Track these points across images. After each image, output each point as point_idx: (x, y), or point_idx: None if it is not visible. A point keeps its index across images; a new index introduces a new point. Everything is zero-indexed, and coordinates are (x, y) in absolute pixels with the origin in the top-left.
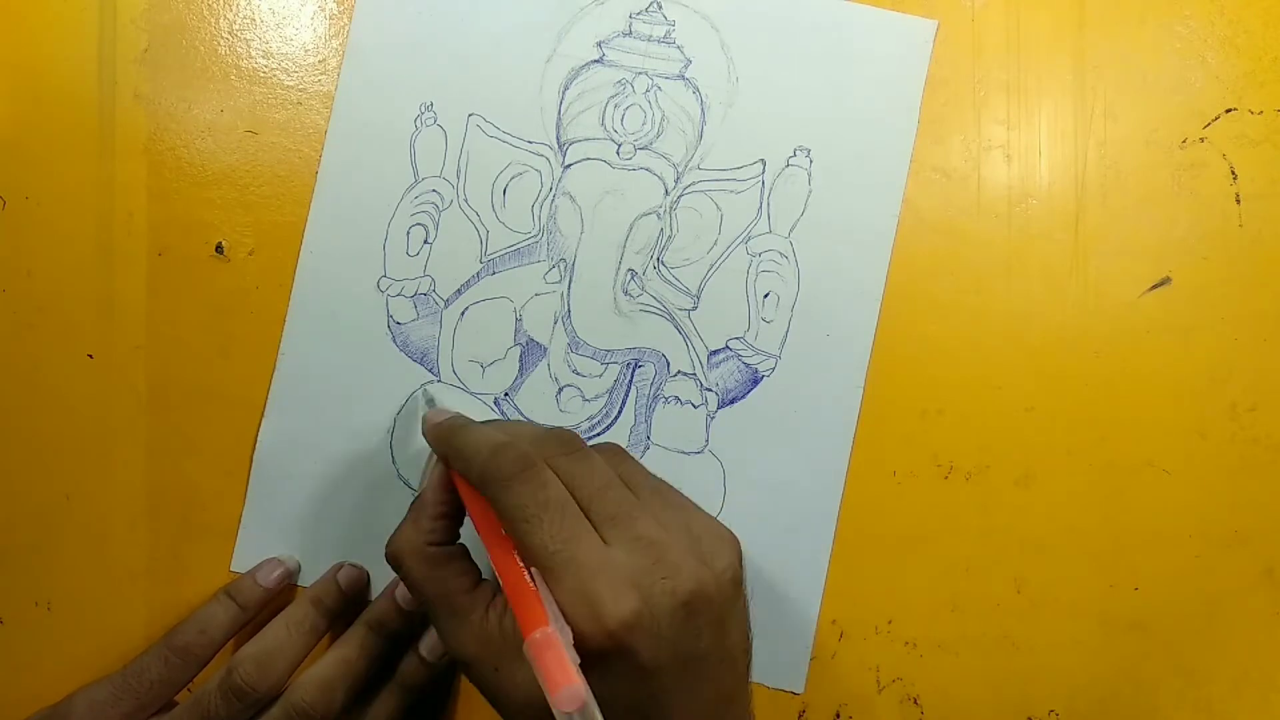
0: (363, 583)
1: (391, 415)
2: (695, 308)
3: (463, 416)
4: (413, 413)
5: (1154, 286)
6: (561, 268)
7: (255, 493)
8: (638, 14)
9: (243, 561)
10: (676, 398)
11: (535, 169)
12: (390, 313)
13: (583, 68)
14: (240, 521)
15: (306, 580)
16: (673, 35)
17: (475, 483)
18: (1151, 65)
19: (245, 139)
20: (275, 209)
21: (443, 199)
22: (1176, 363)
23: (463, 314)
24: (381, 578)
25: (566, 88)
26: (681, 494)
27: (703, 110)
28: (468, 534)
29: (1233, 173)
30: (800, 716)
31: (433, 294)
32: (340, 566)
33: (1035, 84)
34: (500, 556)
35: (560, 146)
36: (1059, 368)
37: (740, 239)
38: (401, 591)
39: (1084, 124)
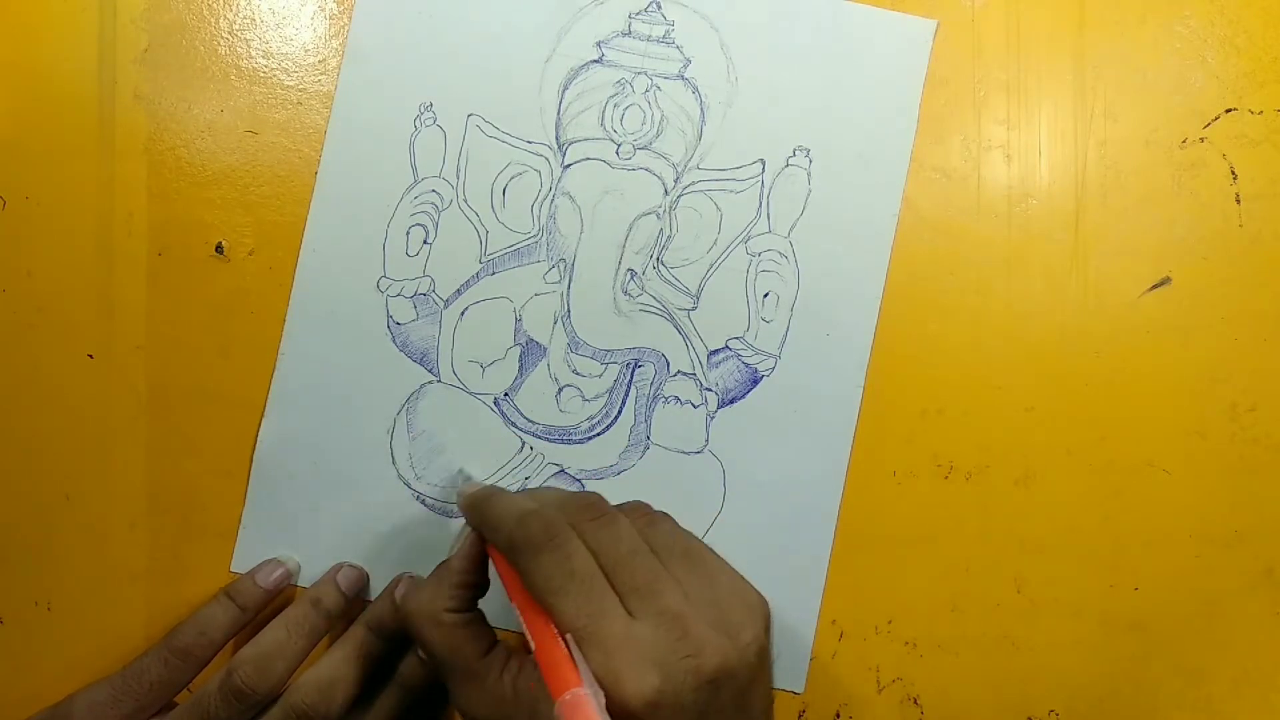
0: (362, 583)
1: (391, 416)
2: (695, 307)
3: (495, 488)
4: (413, 410)
5: (1154, 286)
6: (561, 268)
7: (255, 493)
8: (637, 14)
9: (243, 562)
10: (676, 397)
11: (535, 169)
12: (390, 313)
13: (582, 68)
14: (240, 522)
15: (306, 581)
16: (672, 35)
17: (503, 551)
18: (1151, 65)
19: (245, 139)
20: (275, 209)
21: (442, 199)
22: (1176, 363)
23: (462, 314)
24: (381, 578)
25: (566, 88)
26: (712, 552)
27: (702, 110)
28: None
29: (1233, 173)
30: (800, 716)
31: (432, 294)
32: (340, 567)
33: (1035, 84)
34: (533, 620)
35: (560, 146)
36: (1059, 368)
37: (740, 239)
38: (401, 592)
39: (1084, 124)
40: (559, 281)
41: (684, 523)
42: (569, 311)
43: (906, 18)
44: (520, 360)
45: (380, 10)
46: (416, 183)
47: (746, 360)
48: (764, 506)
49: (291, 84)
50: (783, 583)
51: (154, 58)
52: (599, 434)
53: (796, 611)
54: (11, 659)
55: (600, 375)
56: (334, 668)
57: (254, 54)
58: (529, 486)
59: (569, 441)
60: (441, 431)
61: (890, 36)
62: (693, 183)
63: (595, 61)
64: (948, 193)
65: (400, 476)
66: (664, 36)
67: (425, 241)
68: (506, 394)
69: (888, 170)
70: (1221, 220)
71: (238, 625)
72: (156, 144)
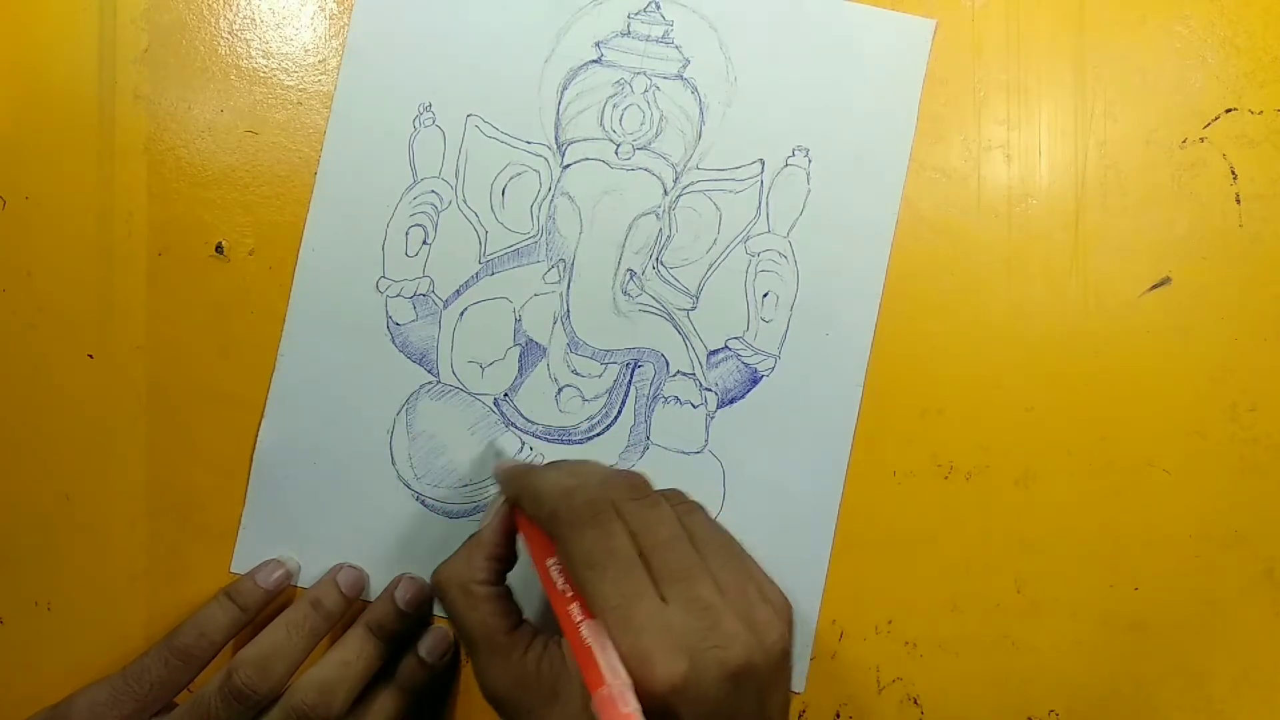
0: (362, 584)
1: (391, 416)
2: (694, 307)
3: (533, 464)
4: (413, 411)
5: (1154, 286)
6: (561, 268)
7: (255, 494)
8: (636, 14)
9: (243, 562)
10: (676, 398)
11: (534, 169)
12: (389, 313)
13: (581, 68)
14: (240, 522)
15: (306, 581)
16: (671, 35)
17: (545, 523)
18: (1151, 65)
19: (245, 139)
20: (275, 209)
21: (441, 199)
22: (1176, 363)
23: (462, 314)
24: (381, 579)
25: (565, 88)
26: (743, 550)
27: (701, 110)
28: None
29: (1233, 173)
30: (800, 716)
31: (432, 294)
32: (340, 568)
33: (1035, 84)
34: (561, 604)
35: (559, 147)
36: (1059, 368)
37: (739, 239)
38: (400, 593)
39: (1084, 124)
40: (558, 282)
41: None
42: (568, 312)
43: (905, 17)
44: (520, 360)
45: (379, 10)
46: (416, 183)
47: (746, 360)
48: (764, 506)
49: (291, 84)
50: (783, 583)
51: (154, 58)
52: (599, 434)
53: (796, 611)
54: (11, 659)
55: (600, 375)
56: (334, 668)
57: (254, 54)
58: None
59: (569, 442)
60: (441, 432)
61: (889, 36)
62: (692, 183)
63: (594, 62)
64: (947, 192)
65: (400, 477)
66: (663, 36)
67: (424, 242)
68: (506, 394)
69: (887, 170)
70: (1221, 220)
71: (238, 626)
72: (156, 144)
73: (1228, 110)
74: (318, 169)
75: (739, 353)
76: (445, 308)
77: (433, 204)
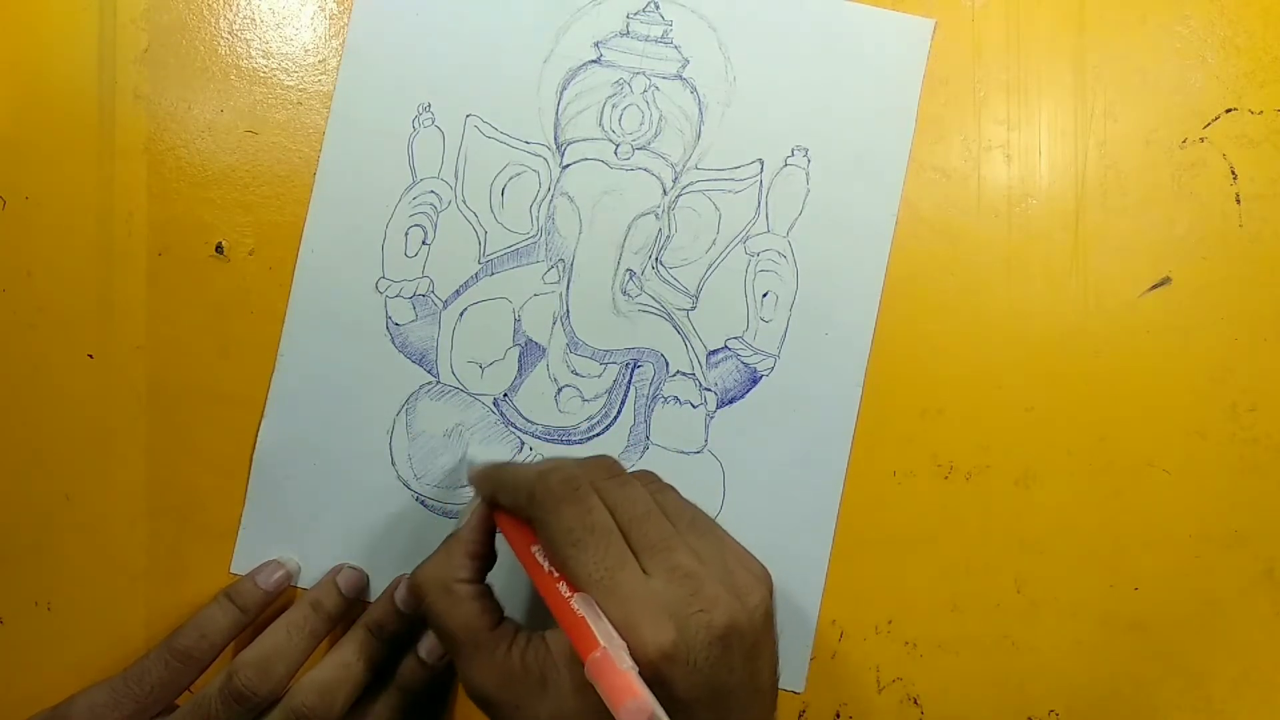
0: (362, 585)
1: (391, 417)
2: (694, 307)
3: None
4: (413, 411)
5: (1154, 286)
6: (560, 268)
7: (255, 494)
8: (635, 14)
9: (242, 563)
10: (675, 398)
11: (533, 169)
12: (389, 314)
13: (580, 68)
14: (240, 523)
15: (306, 582)
16: (670, 35)
17: (522, 506)
18: (1151, 65)
19: (245, 139)
20: (275, 209)
21: (441, 200)
22: (1176, 363)
23: (461, 315)
24: (381, 580)
25: (564, 88)
26: (716, 524)
27: (700, 110)
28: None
29: (1233, 173)
30: (800, 716)
31: (431, 295)
32: (340, 569)
33: (1035, 84)
34: (548, 584)
35: (558, 147)
36: (1059, 368)
37: (738, 238)
38: (400, 594)
39: (1084, 124)
40: (558, 282)
41: None
42: (568, 312)
43: (904, 17)
44: (519, 361)
45: (378, 11)
46: (415, 183)
47: (745, 360)
48: (764, 506)
49: (291, 84)
50: (783, 583)
51: (154, 58)
52: (598, 434)
53: (796, 611)
54: (11, 659)
55: (599, 375)
56: (334, 670)
57: (254, 54)
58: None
59: (568, 442)
60: (441, 432)
61: (888, 36)
62: (691, 183)
63: (593, 62)
64: (947, 193)
65: (400, 477)
66: (662, 36)
67: (424, 242)
68: (506, 394)
69: (886, 169)
70: (1221, 220)
71: (238, 627)
72: (156, 144)
73: (1228, 110)
74: (317, 170)
75: (738, 353)
76: (445, 308)
77: (432, 204)
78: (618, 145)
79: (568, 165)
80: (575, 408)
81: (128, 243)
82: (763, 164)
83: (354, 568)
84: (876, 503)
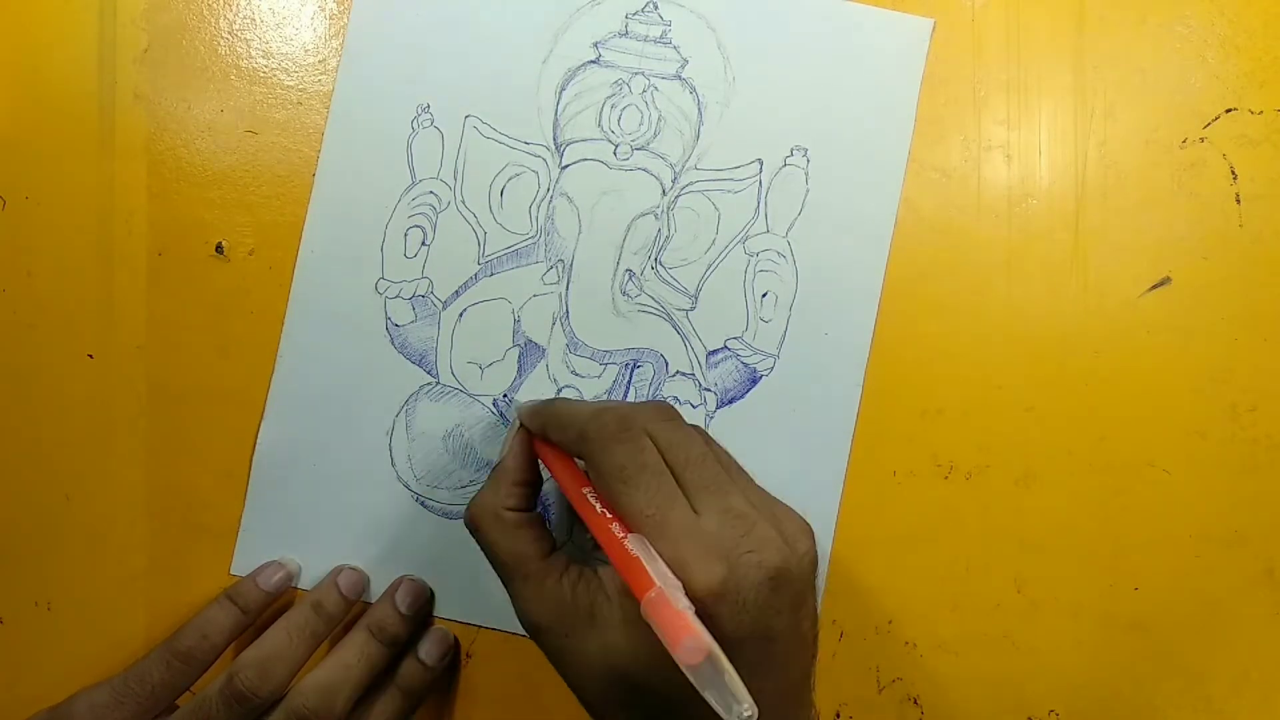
0: (362, 586)
1: (391, 417)
2: (693, 308)
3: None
4: (413, 412)
5: (1154, 286)
6: (559, 269)
7: (255, 495)
8: (634, 14)
9: (243, 564)
10: (675, 398)
11: (533, 170)
12: (388, 315)
13: (579, 68)
14: (240, 524)
15: (306, 583)
16: (669, 35)
17: (574, 442)
18: (1151, 65)
19: (245, 139)
20: (275, 209)
21: (440, 200)
22: (1176, 363)
23: (461, 315)
24: (381, 581)
25: (563, 88)
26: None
27: (700, 110)
28: None
29: (1233, 173)
30: None
31: (431, 295)
32: (340, 570)
33: (1035, 84)
34: (601, 524)
35: (557, 147)
36: (1059, 368)
37: (738, 239)
38: (401, 596)
39: (1084, 124)
40: (557, 282)
41: None
42: (567, 312)
43: (903, 17)
44: (519, 361)
45: (377, 12)
46: (414, 184)
47: (745, 360)
48: None
49: (291, 84)
50: None
51: (154, 58)
52: None
53: None
54: (11, 659)
55: (599, 376)
56: (335, 671)
57: (254, 54)
58: None
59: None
60: (441, 433)
61: (887, 35)
62: (690, 183)
63: (592, 62)
64: (947, 192)
65: (400, 478)
66: (661, 37)
67: (423, 243)
68: (506, 395)
69: (885, 169)
70: (1221, 220)
71: (239, 628)
72: (156, 144)
73: (1228, 110)
74: (317, 170)
75: (738, 353)
76: (444, 309)
77: (431, 205)
78: (617, 145)
79: (567, 166)
80: None
81: (128, 243)
82: (762, 164)
83: (354, 569)
84: (876, 503)
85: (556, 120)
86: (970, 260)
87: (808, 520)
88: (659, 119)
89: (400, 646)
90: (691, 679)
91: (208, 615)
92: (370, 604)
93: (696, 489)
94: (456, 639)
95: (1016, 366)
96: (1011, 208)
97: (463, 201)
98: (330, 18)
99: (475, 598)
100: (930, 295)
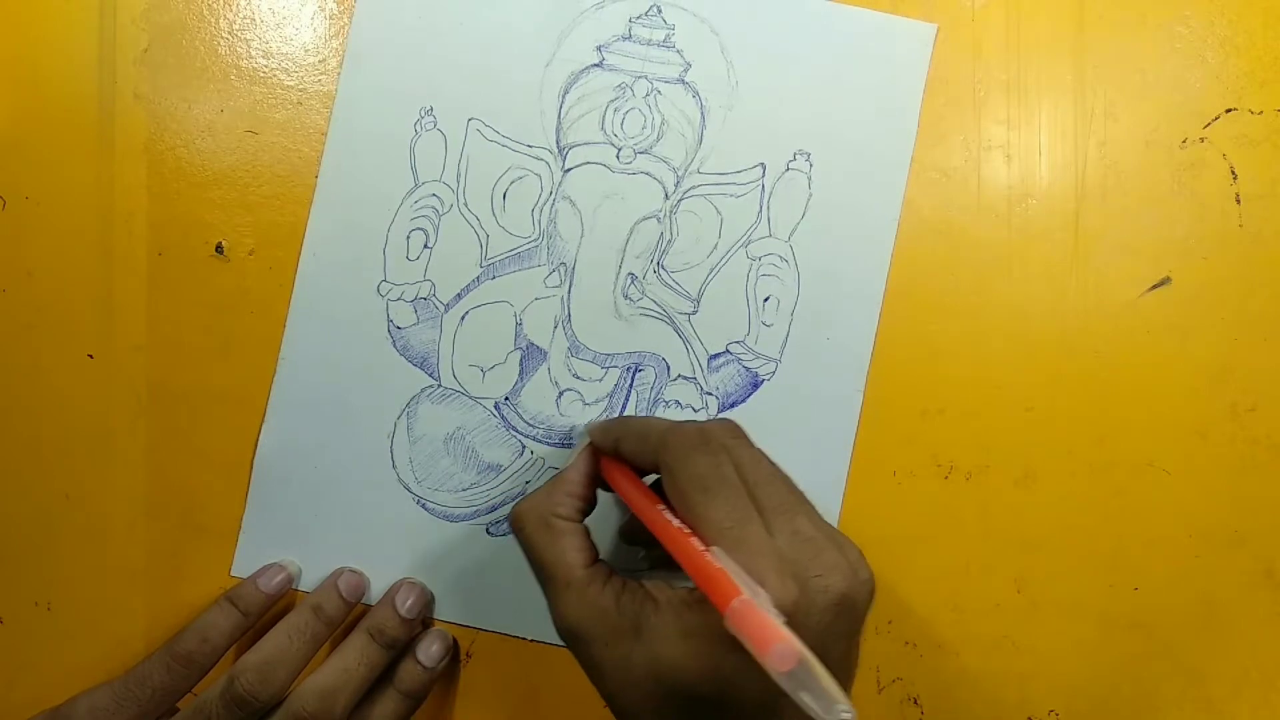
0: (363, 589)
1: (392, 420)
2: (695, 311)
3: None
4: (414, 414)
5: (1154, 286)
6: (562, 272)
7: (256, 497)
8: (637, 18)
9: (243, 566)
10: (677, 401)
11: (535, 173)
12: (390, 317)
13: (582, 72)
14: (241, 526)
15: (307, 585)
16: (672, 39)
17: (652, 453)
18: (1151, 65)
19: (245, 139)
20: (275, 209)
21: (443, 203)
22: (1176, 363)
23: (463, 318)
24: (381, 583)
25: (566, 92)
26: None
27: (702, 114)
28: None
29: (1233, 173)
30: None
31: (433, 298)
32: (341, 573)
33: (1035, 84)
34: (679, 539)
35: (560, 150)
36: (1059, 368)
37: (740, 243)
38: (401, 598)
39: (1084, 124)
40: (559, 285)
41: None
42: (569, 315)
43: (906, 21)
44: (521, 364)
45: (380, 14)
46: (417, 187)
47: (747, 364)
48: None
49: (291, 84)
50: None
51: (154, 58)
52: None
53: None
54: (11, 659)
55: (601, 379)
56: (335, 675)
57: (254, 54)
58: (530, 490)
59: (570, 445)
60: (442, 436)
61: (890, 41)
62: (693, 187)
63: (595, 65)
64: (948, 193)
65: (400, 480)
66: (664, 40)
67: (426, 245)
68: (507, 398)
69: (888, 174)
70: (1221, 220)
71: (240, 630)
72: (156, 144)
73: (1228, 110)
74: (318, 173)
75: (740, 357)
76: (446, 311)
77: (434, 208)
78: (620, 149)
79: (569, 169)
80: (576, 411)
81: (128, 243)
82: (765, 168)
83: (355, 571)
84: (877, 503)
85: (559, 123)
86: (970, 260)
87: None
88: (662, 123)
89: (400, 649)
90: (784, 685)
91: (208, 618)
92: (370, 606)
93: (769, 508)
94: (455, 640)
95: (1016, 366)
96: (1011, 208)
97: (465, 204)
98: (331, 18)
99: (475, 600)
100: (930, 295)
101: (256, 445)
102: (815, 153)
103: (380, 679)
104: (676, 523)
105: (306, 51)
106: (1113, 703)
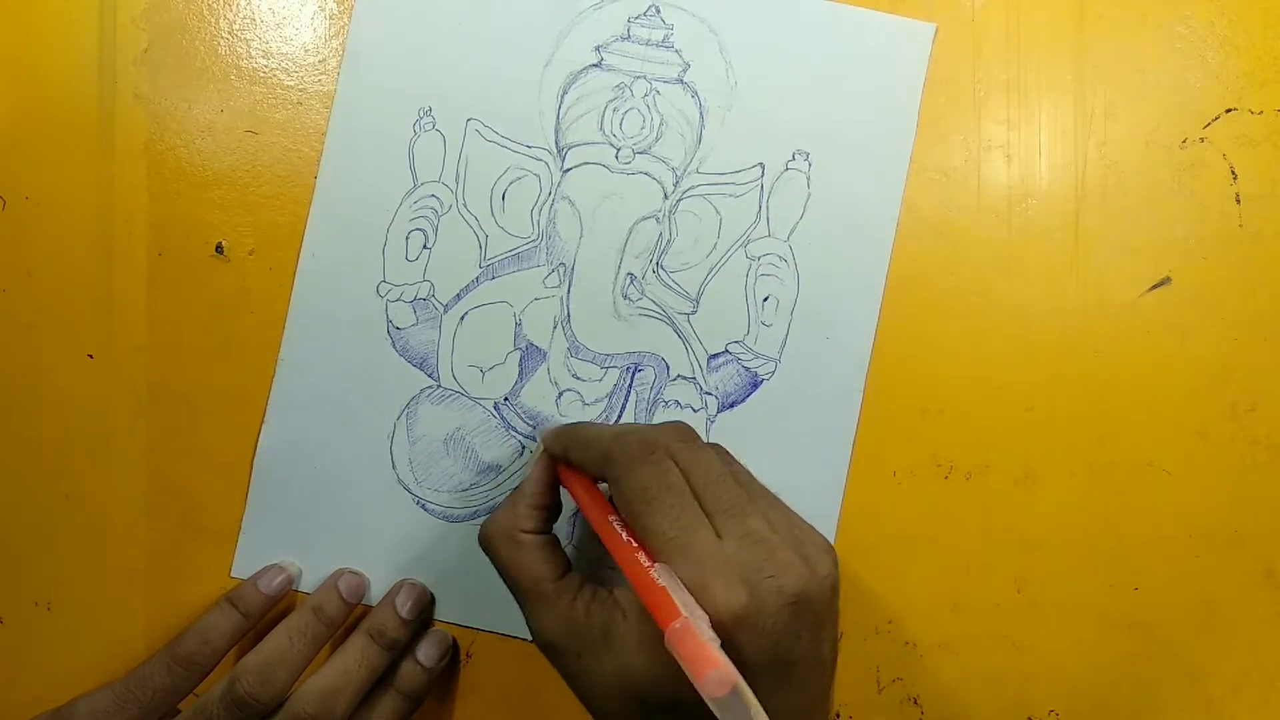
0: (363, 590)
1: (391, 421)
2: (695, 311)
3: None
4: (414, 415)
5: (1154, 286)
6: (561, 272)
7: (255, 499)
8: (636, 18)
9: (243, 566)
10: (676, 401)
11: (534, 173)
12: (390, 318)
13: (581, 72)
14: (241, 526)
15: (307, 586)
16: (671, 39)
17: (597, 464)
18: (1151, 65)
19: (245, 139)
20: (275, 209)
21: (442, 204)
22: (1176, 363)
23: (462, 319)
24: (381, 585)
25: (565, 92)
26: (782, 501)
27: (701, 114)
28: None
29: (1233, 173)
30: None
31: (432, 299)
32: (341, 574)
33: (1035, 84)
34: (625, 551)
35: (559, 151)
36: (1059, 368)
37: (739, 242)
38: (401, 600)
39: (1084, 124)
40: (559, 286)
41: None
42: (569, 316)
43: (905, 21)
44: (520, 365)
45: (379, 15)
46: (416, 187)
47: (746, 364)
48: None
49: (291, 84)
50: None
51: (154, 58)
52: None
53: None
54: (11, 659)
55: (600, 379)
56: (336, 677)
57: (254, 54)
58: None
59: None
60: (442, 436)
61: (889, 40)
62: (692, 186)
63: (594, 66)
64: (948, 193)
65: (400, 481)
66: (663, 40)
67: (425, 246)
68: (506, 398)
69: (887, 174)
70: (1221, 220)
71: (240, 632)
72: (156, 144)
73: (1228, 110)
74: (317, 174)
75: (739, 357)
76: (445, 312)
77: (433, 208)
78: (619, 149)
79: (569, 169)
80: (576, 411)
81: (128, 243)
82: (764, 168)
83: (355, 572)
84: (876, 503)
85: (558, 124)
86: (970, 260)
87: (828, 540)
88: (661, 123)
89: (400, 649)
90: (715, 710)
91: (208, 620)
92: (370, 607)
93: (717, 511)
94: (455, 640)
95: (1016, 366)
96: (1011, 208)
97: (464, 205)
98: (330, 18)
99: (475, 601)
100: (930, 295)
101: (256, 445)
102: (814, 152)
103: (380, 680)
104: (625, 536)
105: (306, 51)
106: (1113, 703)
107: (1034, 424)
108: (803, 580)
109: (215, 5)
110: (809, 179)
